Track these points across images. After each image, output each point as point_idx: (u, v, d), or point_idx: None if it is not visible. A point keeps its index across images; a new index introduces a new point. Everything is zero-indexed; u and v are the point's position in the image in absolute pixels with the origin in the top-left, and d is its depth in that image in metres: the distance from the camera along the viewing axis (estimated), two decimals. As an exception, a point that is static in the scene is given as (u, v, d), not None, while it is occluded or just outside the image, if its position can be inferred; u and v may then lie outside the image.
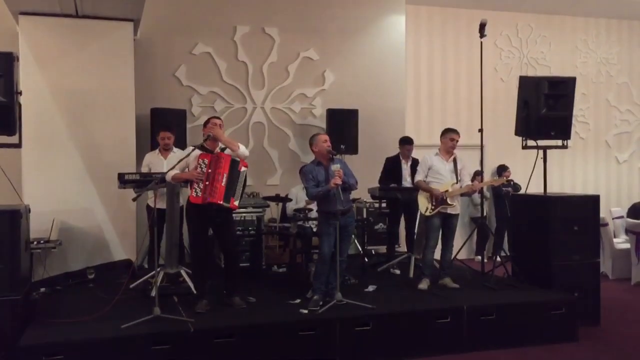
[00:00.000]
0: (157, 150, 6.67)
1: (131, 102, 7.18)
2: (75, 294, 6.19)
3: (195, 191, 5.21)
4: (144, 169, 6.60)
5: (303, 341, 4.93)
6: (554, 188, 8.95)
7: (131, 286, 6.00)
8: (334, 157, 5.55)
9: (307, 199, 6.35)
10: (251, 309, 5.43)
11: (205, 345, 4.71)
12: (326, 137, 5.65)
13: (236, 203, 5.35)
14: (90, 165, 6.98)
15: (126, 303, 5.38)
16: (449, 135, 6.40)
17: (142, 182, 6.08)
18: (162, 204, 6.22)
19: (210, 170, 5.21)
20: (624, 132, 11.44)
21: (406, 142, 7.44)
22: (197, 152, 5.29)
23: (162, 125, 6.84)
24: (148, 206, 6.45)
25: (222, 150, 5.42)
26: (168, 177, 5.36)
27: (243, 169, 5.40)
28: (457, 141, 6.39)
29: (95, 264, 6.91)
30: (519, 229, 6.57)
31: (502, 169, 9.83)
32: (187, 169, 5.34)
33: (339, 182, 5.35)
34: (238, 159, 5.36)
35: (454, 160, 6.39)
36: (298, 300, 5.62)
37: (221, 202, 5.20)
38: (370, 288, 6.18)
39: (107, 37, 7.05)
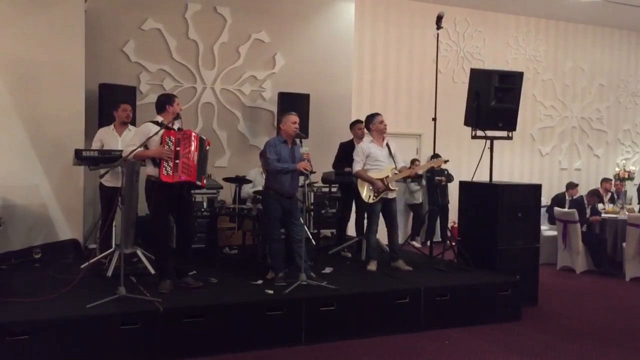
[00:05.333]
0: (111, 126, 6.43)
1: (80, 75, 6.91)
2: (22, 274, 5.96)
3: (166, 170, 5.06)
4: (95, 145, 6.34)
5: (270, 321, 5.00)
6: (483, 177, 9.44)
7: (82, 266, 5.84)
8: (301, 140, 5.63)
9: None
10: (216, 289, 5.44)
11: (175, 324, 4.68)
12: (296, 118, 5.70)
13: (205, 182, 5.36)
14: (36, 140, 6.68)
15: (82, 283, 5.19)
16: (379, 118, 6.55)
17: (99, 159, 5.89)
18: (114, 183, 6.08)
19: (178, 149, 5.10)
20: (548, 127, 12.18)
21: (357, 122, 7.58)
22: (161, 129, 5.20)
23: (114, 100, 6.63)
24: (101, 185, 6.23)
25: (179, 129, 5.36)
26: (128, 154, 5.09)
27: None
28: None
29: (39, 243, 6.63)
30: (466, 214, 6.88)
31: (435, 158, 10.19)
32: (146, 147, 5.16)
33: (309, 168, 5.45)
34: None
35: (388, 145, 6.59)
36: (260, 281, 5.67)
37: (194, 181, 5.16)
38: (327, 270, 6.31)
39: (56, 6, 6.73)
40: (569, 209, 8.97)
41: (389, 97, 10.52)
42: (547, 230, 9.53)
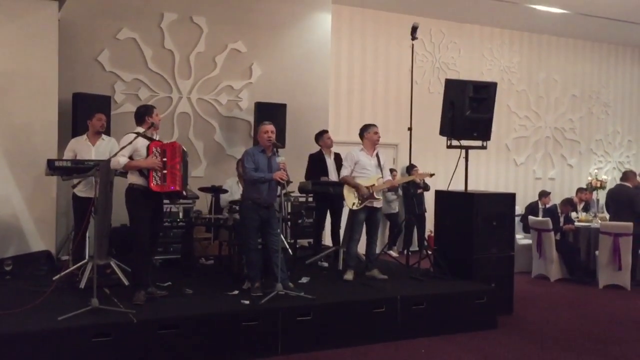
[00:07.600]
0: (84, 136, 6.37)
1: (54, 85, 6.83)
2: (-8, 286, 5.84)
3: (155, 180, 5.10)
4: (68, 155, 6.27)
5: (246, 331, 4.96)
6: (459, 187, 9.63)
7: (54, 278, 5.75)
8: (277, 149, 5.64)
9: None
10: (191, 300, 5.39)
11: (149, 336, 4.63)
12: (269, 127, 5.70)
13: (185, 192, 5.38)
14: (8, 150, 6.58)
15: (54, 295, 5.11)
16: (373, 129, 6.66)
17: (72, 169, 5.82)
18: (87, 193, 6.01)
19: (165, 159, 5.15)
20: (522, 137, 12.33)
21: (324, 132, 7.61)
22: (143, 140, 5.20)
23: (89, 110, 6.57)
24: (75, 195, 6.16)
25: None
26: (120, 164, 5.10)
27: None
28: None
29: (10, 254, 6.52)
30: (442, 223, 6.91)
31: (410, 168, 10.26)
32: (131, 158, 5.18)
33: (285, 177, 5.46)
34: (185, 149, 5.39)
35: (377, 155, 6.64)
36: (236, 292, 5.63)
37: (182, 191, 5.23)
38: (304, 280, 6.29)
39: (30, 16, 6.66)
40: (542, 217, 9.08)
41: (366, 107, 10.58)
42: (521, 239, 9.63)
